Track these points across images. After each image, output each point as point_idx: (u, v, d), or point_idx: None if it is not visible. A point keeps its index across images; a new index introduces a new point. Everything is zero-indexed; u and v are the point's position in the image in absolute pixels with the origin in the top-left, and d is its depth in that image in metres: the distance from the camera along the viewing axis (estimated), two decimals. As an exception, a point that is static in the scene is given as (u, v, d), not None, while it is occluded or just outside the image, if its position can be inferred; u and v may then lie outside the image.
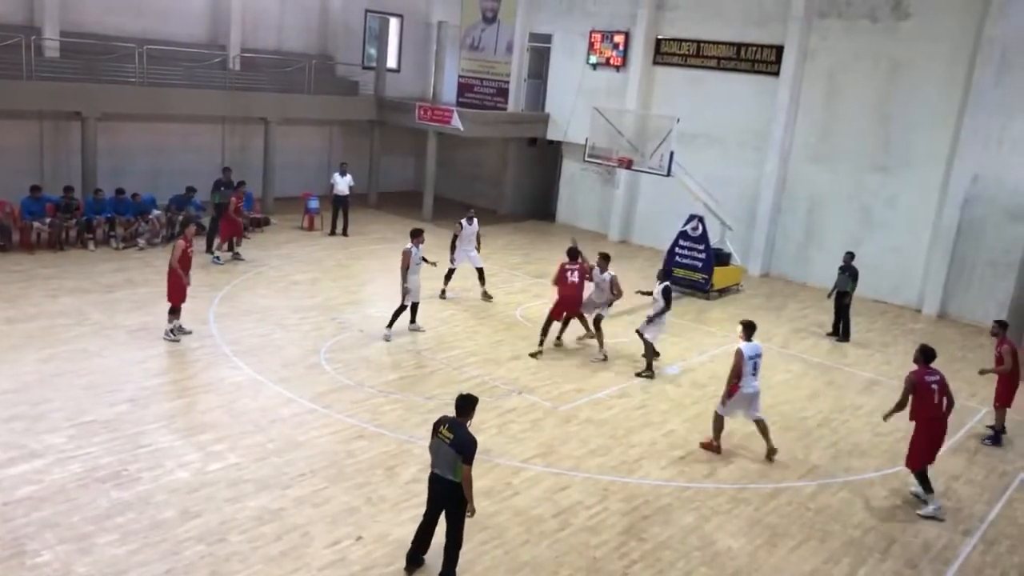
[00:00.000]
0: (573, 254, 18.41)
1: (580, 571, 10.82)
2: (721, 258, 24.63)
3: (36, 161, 25.49)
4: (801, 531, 12.26)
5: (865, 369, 18.92)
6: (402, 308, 18.21)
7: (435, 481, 9.99)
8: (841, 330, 21.14)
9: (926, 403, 12.80)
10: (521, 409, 15.25)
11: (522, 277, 24.29)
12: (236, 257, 23.07)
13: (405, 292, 18.08)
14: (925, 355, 13.06)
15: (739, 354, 13.86)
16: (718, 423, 14.27)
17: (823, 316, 22.74)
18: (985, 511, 13.38)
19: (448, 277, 21.48)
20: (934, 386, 12.81)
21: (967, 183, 23.78)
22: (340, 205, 27.15)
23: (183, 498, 11.46)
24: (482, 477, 12.49)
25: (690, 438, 14.82)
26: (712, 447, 14.35)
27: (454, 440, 9.70)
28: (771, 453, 14.27)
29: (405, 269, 17.90)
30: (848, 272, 21.05)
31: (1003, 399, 15.93)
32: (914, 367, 13.09)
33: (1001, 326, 15.94)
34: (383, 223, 29.78)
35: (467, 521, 10.08)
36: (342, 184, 27.09)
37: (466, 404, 9.95)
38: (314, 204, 28.13)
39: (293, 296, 20.45)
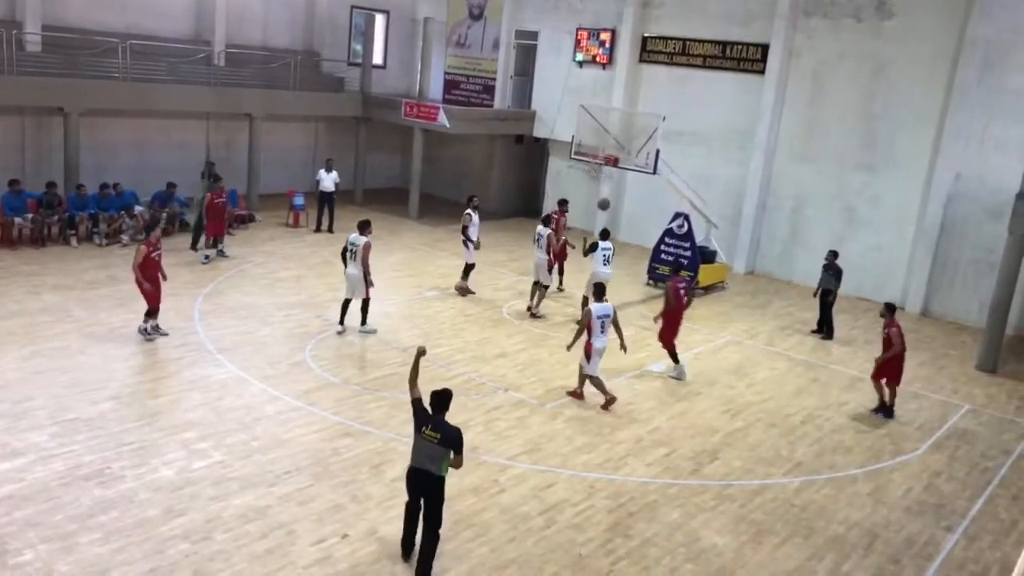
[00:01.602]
0: (676, 266, 19.38)
1: (566, 568, 10.82)
2: (706, 256, 24.69)
3: (17, 157, 25.31)
4: (786, 528, 12.30)
5: (849, 367, 19.01)
6: (350, 302, 17.89)
7: (417, 475, 10.05)
8: (825, 328, 21.21)
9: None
10: (507, 406, 15.24)
11: (508, 273, 24.27)
12: (220, 254, 22.99)
13: (368, 284, 17.76)
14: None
15: (588, 313, 15.36)
16: (596, 382, 15.58)
17: (808, 314, 22.81)
18: (967, 507, 13.46)
19: (466, 273, 21.53)
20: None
21: (950, 181, 23.88)
22: (326, 202, 27.09)
23: (167, 496, 11.40)
24: (468, 474, 12.51)
25: (675, 435, 14.86)
26: (576, 394, 15.84)
27: (442, 438, 9.73)
28: (609, 403, 15.61)
29: (365, 261, 17.61)
30: (832, 271, 21.12)
31: (892, 376, 16.57)
32: None
33: (889, 309, 16.68)
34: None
35: (452, 519, 10.12)
36: (327, 181, 27.03)
37: (444, 399, 10.08)
38: (299, 201, 28.04)
39: (278, 293, 20.38)
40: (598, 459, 13.69)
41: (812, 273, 25.95)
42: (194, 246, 23.27)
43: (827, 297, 21.08)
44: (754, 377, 18.11)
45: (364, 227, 17.71)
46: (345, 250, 17.84)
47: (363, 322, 18.05)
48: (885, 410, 16.67)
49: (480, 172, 34.54)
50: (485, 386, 16.10)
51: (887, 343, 16.41)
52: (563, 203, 23.92)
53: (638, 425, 15.16)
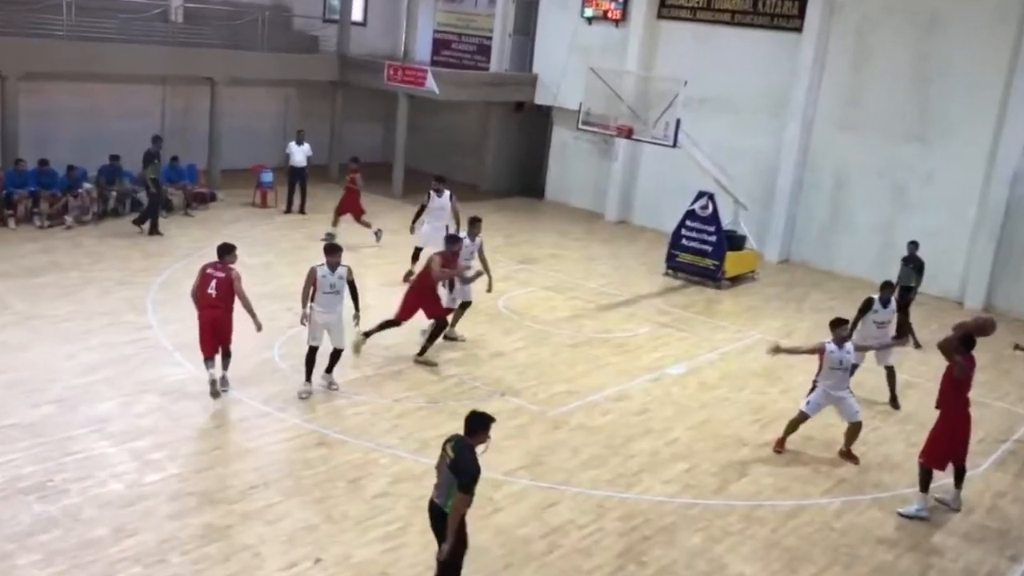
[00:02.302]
0: None
1: (571, 598, 10.87)
2: (734, 242, 24.72)
3: (-54, 126, 25.33)
4: (824, 555, 12.31)
5: (899, 370, 18.93)
6: (310, 350, 15.35)
7: (431, 510, 9.88)
8: (910, 334, 20.35)
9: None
10: (505, 413, 15.15)
11: (506, 262, 24.17)
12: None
13: (305, 322, 15.30)
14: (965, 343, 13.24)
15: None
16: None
17: (851, 308, 22.74)
18: (1034, 532, 13.49)
19: (415, 257, 21.53)
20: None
21: (1017, 156, 23.87)
22: (297, 179, 27.11)
23: (117, 513, 11.42)
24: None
25: (696, 447, 14.88)
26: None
27: (453, 461, 9.57)
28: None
29: (305, 290, 15.21)
30: (912, 264, 20.70)
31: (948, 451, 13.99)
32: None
33: (965, 343, 14.11)
34: None
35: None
36: (299, 155, 27.02)
37: (475, 423, 9.78)
38: (267, 177, 28.05)
39: (243, 282, 20.25)
40: (608, 475, 13.70)
41: (856, 261, 26.00)
42: (153, 230, 23.56)
43: (906, 296, 20.28)
44: (789, 381, 18.11)
45: (328, 251, 15.28)
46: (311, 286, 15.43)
47: (329, 369, 15.82)
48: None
49: (474, 145, 34.54)
50: (478, 390, 16.11)
51: (948, 388, 13.52)
52: (355, 160, 25.27)
53: (654, 436, 15.18)
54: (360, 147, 35.19)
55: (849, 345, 14.87)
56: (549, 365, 17.62)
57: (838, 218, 26.96)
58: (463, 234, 18.22)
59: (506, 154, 34.45)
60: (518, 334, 19.02)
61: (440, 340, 17.46)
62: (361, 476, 12.81)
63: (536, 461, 13.84)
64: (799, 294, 24.50)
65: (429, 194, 21.38)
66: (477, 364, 17.26)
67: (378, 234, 24.45)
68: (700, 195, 24.22)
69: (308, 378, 15.29)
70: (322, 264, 15.12)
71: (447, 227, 21.25)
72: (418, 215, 21.49)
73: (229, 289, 14.84)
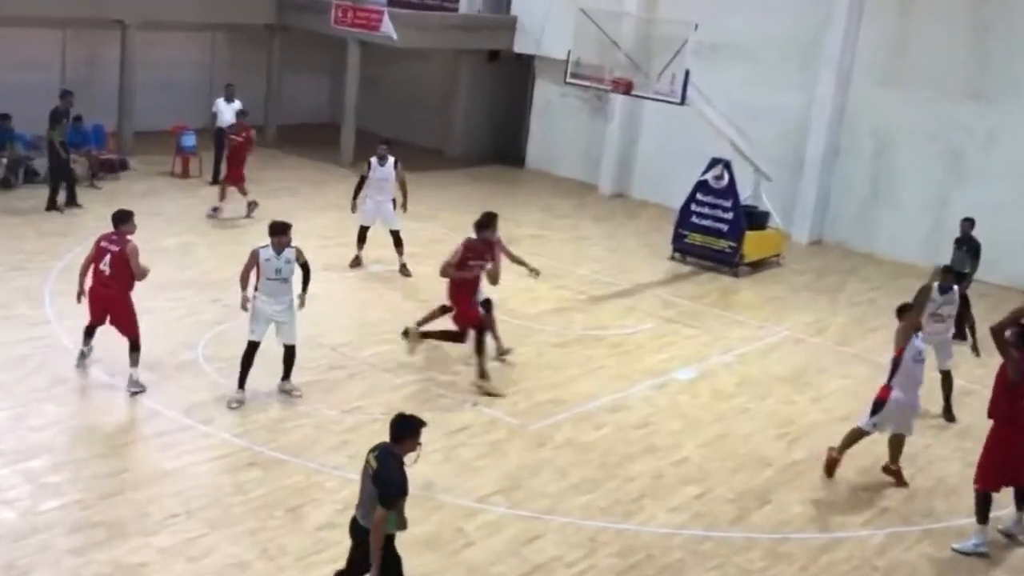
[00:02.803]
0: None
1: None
2: (755, 219, 24.81)
3: None
4: (862, 596, 12.39)
5: (957, 374, 18.85)
6: (249, 346, 15.36)
7: (353, 529, 10.00)
8: (967, 329, 20.12)
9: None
10: (477, 427, 15.26)
11: None
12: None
13: (244, 310, 15.46)
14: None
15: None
16: None
17: (894, 298, 22.76)
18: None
19: (361, 238, 21.71)
20: None
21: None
22: (226, 143, 26.91)
23: (8, 548, 11.34)
24: (423, 521, 12.46)
25: (709, 468, 14.90)
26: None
27: (376, 472, 9.61)
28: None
29: (244, 275, 15.36)
30: (966, 246, 20.75)
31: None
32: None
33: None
34: (286, 168, 29.79)
35: (402, 582, 10.03)
36: (228, 114, 26.99)
37: (402, 429, 9.84)
38: (189, 141, 28.02)
39: (160, 268, 19.99)
40: (602, 501, 13.70)
41: (901, 243, 26.07)
42: (52, 204, 23.55)
43: (959, 283, 20.27)
44: (821, 388, 18.21)
45: (273, 231, 15.19)
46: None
47: (286, 374, 15.92)
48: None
49: (440, 102, 34.53)
50: (445, 399, 16.12)
51: (1001, 392, 13.40)
52: (243, 114, 25.93)
53: (659, 454, 15.19)
54: (303, 105, 35.26)
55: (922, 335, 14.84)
56: (531, 369, 17.64)
57: (880, 191, 27.08)
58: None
59: (478, 113, 34.44)
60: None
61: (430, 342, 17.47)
62: (303, 503, 12.78)
63: (515, 485, 13.83)
64: (833, 283, 24.60)
65: (370, 163, 21.57)
66: (444, 367, 17.25)
67: (251, 206, 24.57)
68: (713, 163, 24.31)
69: (241, 383, 15.24)
70: (265, 246, 15.06)
71: (394, 201, 21.59)
72: (358, 189, 21.64)
73: (125, 266, 14.82)
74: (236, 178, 24.77)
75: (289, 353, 15.53)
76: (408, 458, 9.75)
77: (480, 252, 16.65)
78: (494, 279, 16.85)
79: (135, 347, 15.12)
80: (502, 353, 17.77)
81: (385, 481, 9.57)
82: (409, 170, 22.45)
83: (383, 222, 21.66)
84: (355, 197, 21.67)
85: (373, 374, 16.62)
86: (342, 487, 13.12)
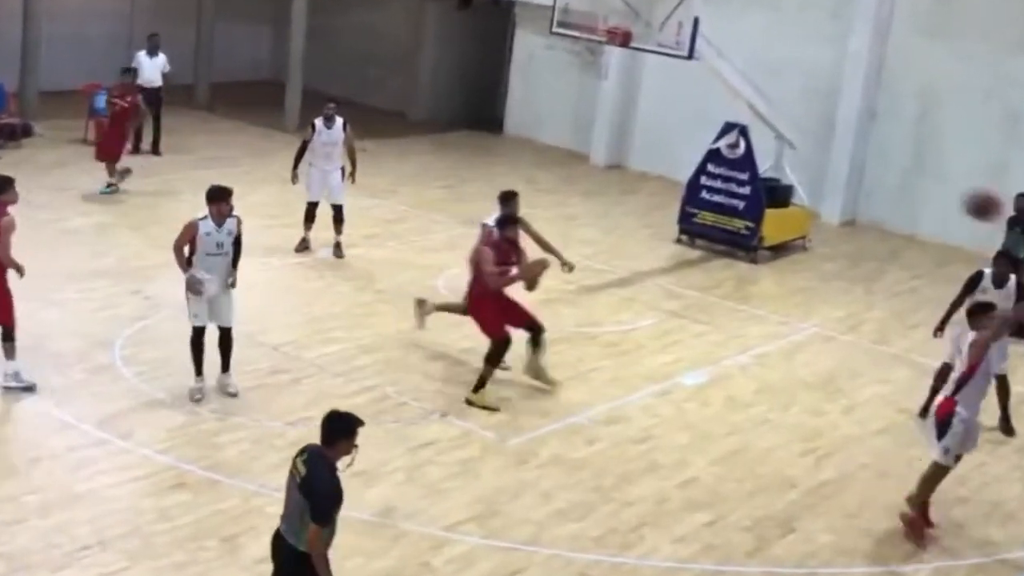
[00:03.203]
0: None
1: None
2: (776, 194, 24.85)
3: None
4: (906, 645, 12.34)
5: (1015, 378, 18.88)
6: (196, 332, 15.77)
7: (275, 544, 9.98)
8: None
9: None
10: (446, 442, 15.22)
11: (447, 223, 24.44)
12: None
13: (189, 290, 15.56)
14: None
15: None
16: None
17: (942, 289, 22.75)
18: None
19: (309, 217, 21.77)
20: None
21: None
22: (149, 104, 27.00)
23: None
24: (382, 554, 12.46)
25: (723, 490, 14.84)
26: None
27: (304, 480, 9.48)
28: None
29: (179, 250, 15.51)
30: (1021, 226, 20.92)
31: None
32: None
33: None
34: (220, 134, 29.91)
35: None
36: (151, 70, 27.26)
37: (335, 429, 9.79)
38: (104, 103, 27.72)
39: (70, 254, 20.40)
40: (595, 530, 13.61)
41: (951, 223, 25.70)
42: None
43: (1016, 270, 20.25)
44: (855, 396, 18.19)
45: (211, 198, 15.39)
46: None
47: (225, 366, 16.24)
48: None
49: (402, 55, 34.68)
50: (408, 408, 16.08)
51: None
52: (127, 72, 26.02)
53: (662, 474, 15.13)
54: (240, 60, 35.36)
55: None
56: (512, 373, 17.49)
57: (925, 161, 27.16)
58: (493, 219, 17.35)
59: (447, 69, 34.58)
60: (465, 328, 18.77)
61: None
62: (238, 532, 12.68)
63: (491, 511, 13.74)
64: (869, 270, 24.71)
65: (314, 125, 21.56)
66: (406, 371, 17.25)
67: (122, 175, 24.50)
68: (727, 128, 24.31)
69: (199, 370, 15.57)
70: (204, 217, 15.24)
71: (342, 170, 21.55)
72: (300, 155, 21.67)
73: None
74: (110, 151, 24.58)
75: (227, 338, 15.78)
76: (341, 463, 9.68)
77: (506, 254, 16.52)
78: (532, 284, 16.69)
79: (9, 338, 15.16)
80: (542, 379, 17.42)
81: (317, 491, 9.49)
82: (368, 137, 22.41)
83: (327, 195, 21.55)
84: (295, 166, 21.64)
85: (322, 379, 16.58)
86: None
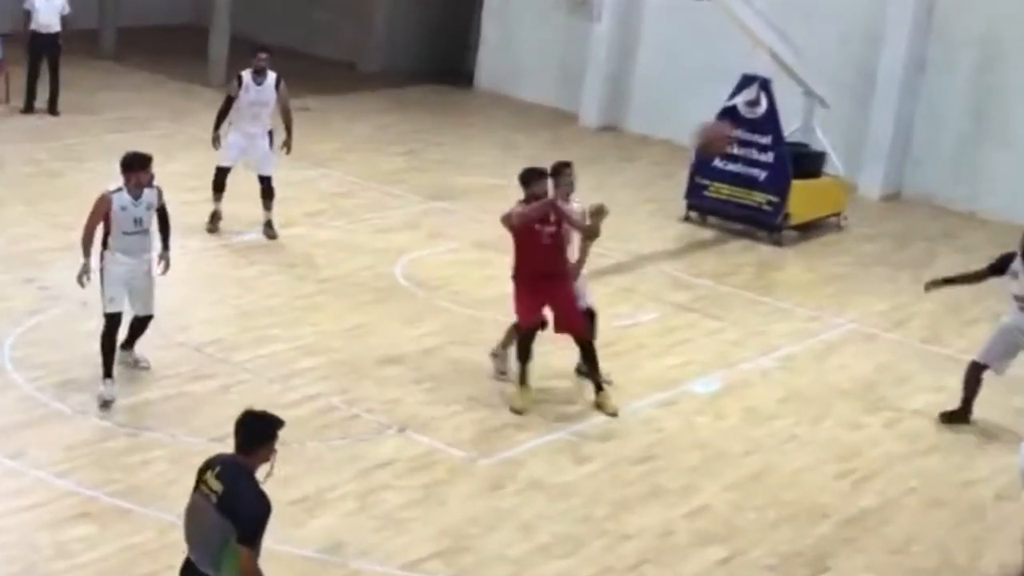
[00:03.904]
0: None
1: None
2: (806, 163, 24.96)
3: None
4: None
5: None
6: (109, 321, 15.90)
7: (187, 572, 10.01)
8: None
9: None
10: (406, 462, 15.25)
11: (407, 197, 24.60)
12: None
13: (104, 275, 15.93)
14: None
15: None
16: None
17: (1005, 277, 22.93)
18: None
19: (218, 184, 21.82)
20: None
21: None
22: (44, 54, 27.32)
23: None
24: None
25: (741, 521, 14.86)
26: None
27: (223, 497, 9.50)
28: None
29: (90, 232, 15.99)
30: None
31: None
32: None
33: None
34: (131, 90, 30.01)
35: None
36: (47, 12, 27.33)
37: (256, 432, 9.98)
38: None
39: None
40: (586, 569, 13.65)
41: (1017, 195, 26.13)
42: None
43: None
44: (901, 406, 18.24)
45: (127, 165, 15.76)
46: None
47: (129, 342, 16.86)
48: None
49: None
50: (360, 420, 16.13)
51: None
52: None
53: (668, 500, 15.18)
54: (153, 0, 35.09)
55: None
56: (483, 377, 17.65)
57: (986, 122, 27.31)
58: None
59: (406, 11, 34.80)
60: (427, 323, 19.11)
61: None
62: (154, 571, 12.67)
63: (460, 544, 13.77)
64: (918, 254, 24.86)
65: (241, 79, 21.63)
66: (356, 377, 17.31)
67: None
68: (746, 82, 24.40)
69: (108, 371, 15.72)
70: (119, 189, 15.57)
71: (270, 134, 21.61)
72: (222, 114, 21.72)
73: None
74: None
75: (143, 325, 16.32)
76: (260, 472, 9.77)
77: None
78: (594, 230, 16.95)
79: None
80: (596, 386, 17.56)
81: (243, 508, 9.50)
82: (310, 93, 22.42)
83: (254, 165, 21.65)
84: (217, 125, 21.69)
85: (254, 386, 16.57)
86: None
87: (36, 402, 15.59)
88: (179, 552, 12.82)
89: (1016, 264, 16.76)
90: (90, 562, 12.70)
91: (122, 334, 15.96)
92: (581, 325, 16.97)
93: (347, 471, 14.78)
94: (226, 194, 21.80)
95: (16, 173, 23.54)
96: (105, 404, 15.56)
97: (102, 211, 15.48)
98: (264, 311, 18.90)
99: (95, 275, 15.66)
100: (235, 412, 15.53)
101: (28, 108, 27.13)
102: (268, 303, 19.19)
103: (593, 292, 20.92)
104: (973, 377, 17.01)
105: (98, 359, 15.46)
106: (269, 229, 21.81)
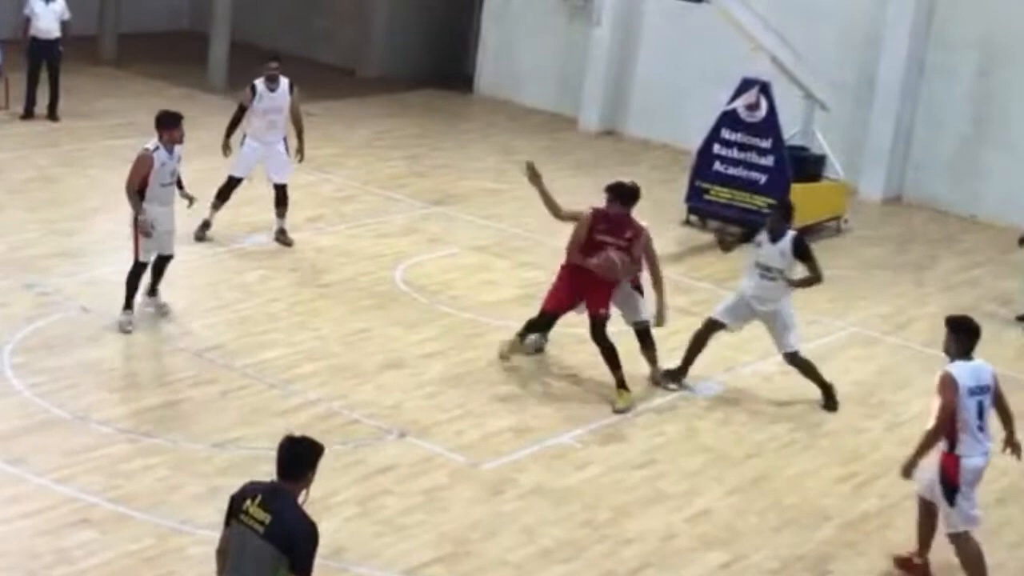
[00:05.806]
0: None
1: None
2: (806, 166, 24.97)
3: None
4: None
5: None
6: (139, 266, 17.90)
7: None
8: None
9: None
10: (407, 467, 15.24)
11: (407, 202, 24.54)
12: None
13: (142, 233, 17.72)
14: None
15: (949, 382, 13.47)
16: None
17: (1007, 281, 22.89)
18: None
19: (224, 193, 21.66)
20: None
21: None
22: (44, 59, 27.25)
23: None
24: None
25: (742, 525, 14.86)
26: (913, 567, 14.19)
27: (272, 526, 9.40)
28: None
29: (138, 190, 17.61)
30: None
31: None
32: None
33: None
34: (130, 96, 29.85)
35: None
36: (47, 18, 27.25)
37: (302, 457, 9.65)
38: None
39: None
40: (589, 573, 13.64)
41: (1018, 200, 26.07)
42: None
43: None
44: (902, 410, 18.25)
45: (161, 123, 17.93)
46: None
47: (152, 289, 18.57)
48: None
49: (351, 2, 34.74)
50: (361, 426, 16.11)
51: None
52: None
53: (669, 505, 15.17)
54: (153, 6, 35.22)
55: None
56: (485, 383, 17.61)
57: (987, 126, 27.27)
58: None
59: (407, 17, 34.69)
60: (427, 328, 19.09)
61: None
62: (156, 577, 12.70)
63: (461, 550, 13.77)
64: (919, 257, 24.87)
65: (254, 87, 21.52)
66: (358, 381, 17.31)
67: None
68: (745, 85, 24.37)
69: (129, 304, 17.76)
70: (156, 147, 17.62)
71: (283, 141, 21.54)
72: (235, 123, 21.63)
73: None
74: None
75: (165, 264, 18.22)
76: (300, 498, 9.53)
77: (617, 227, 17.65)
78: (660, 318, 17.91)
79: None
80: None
81: (298, 537, 9.32)
82: (311, 99, 22.40)
83: (272, 173, 21.54)
84: (229, 133, 21.59)
85: (255, 391, 16.59)
86: (212, 555, 12.93)
87: (36, 408, 15.54)
88: (179, 559, 12.97)
89: (762, 235, 17.30)
90: (90, 568, 12.66)
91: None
92: (600, 305, 17.26)
93: (348, 476, 14.76)
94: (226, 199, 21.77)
95: (16, 179, 23.47)
96: (127, 329, 17.57)
97: (146, 167, 17.38)
98: (264, 316, 18.90)
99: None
100: (235, 418, 15.76)
101: (28, 114, 27.09)
102: (268, 308, 19.16)
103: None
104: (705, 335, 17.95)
105: (99, 363, 15.88)
106: (283, 236, 21.74)
